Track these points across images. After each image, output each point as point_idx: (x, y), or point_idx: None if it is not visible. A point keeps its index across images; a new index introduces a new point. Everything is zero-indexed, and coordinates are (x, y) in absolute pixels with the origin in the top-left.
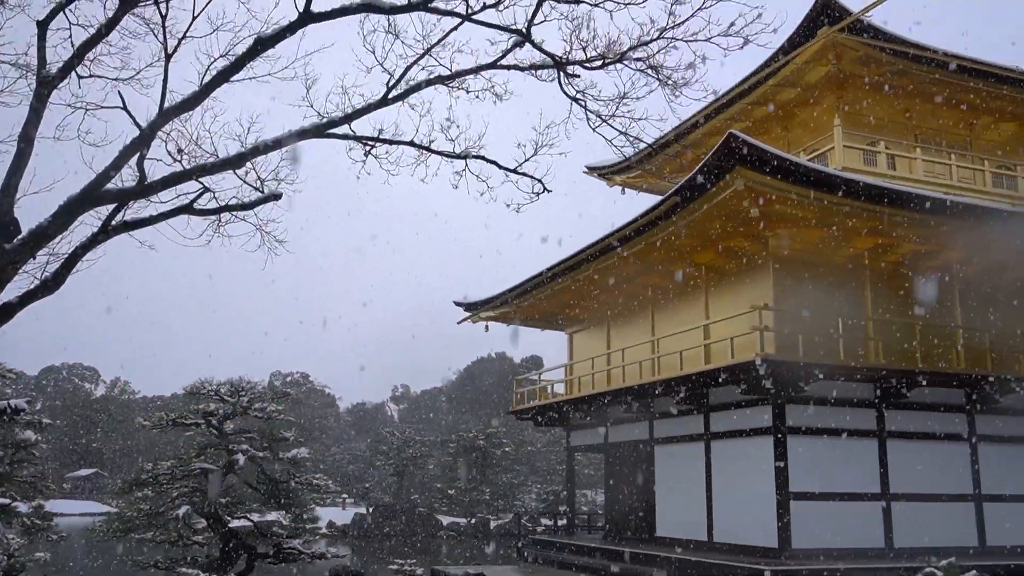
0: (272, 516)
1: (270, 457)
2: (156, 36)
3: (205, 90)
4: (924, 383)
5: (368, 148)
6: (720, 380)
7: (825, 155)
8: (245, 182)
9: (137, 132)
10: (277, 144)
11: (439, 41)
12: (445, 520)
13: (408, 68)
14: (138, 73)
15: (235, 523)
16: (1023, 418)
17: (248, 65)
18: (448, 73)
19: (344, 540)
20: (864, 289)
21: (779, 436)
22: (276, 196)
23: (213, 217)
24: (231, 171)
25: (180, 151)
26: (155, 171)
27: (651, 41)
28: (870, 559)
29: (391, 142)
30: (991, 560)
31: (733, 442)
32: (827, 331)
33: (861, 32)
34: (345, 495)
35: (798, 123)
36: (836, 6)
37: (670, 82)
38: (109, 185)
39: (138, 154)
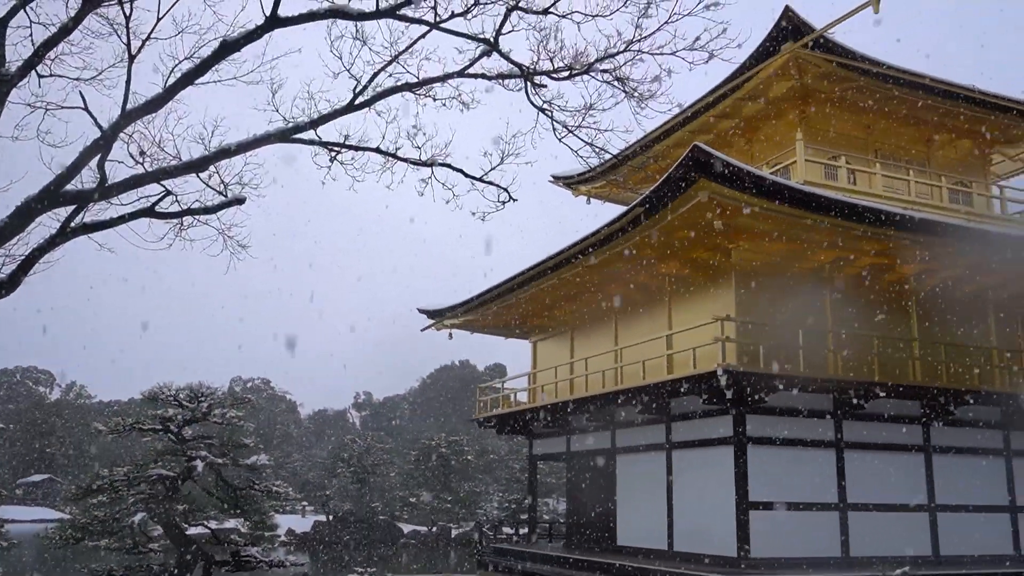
0: (230, 523)
1: (229, 464)
2: (119, 36)
3: (169, 92)
4: (881, 394)
5: (334, 154)
6: (682, 390)
7: (787, 169)
8: (208, 186)
9: (98, 133)
10: (241, 148)
11: (407, 48)
12: (406, 528)
13: (375, 75)
14: (100, 73)
15: (192, 530)
16: (975, 430)
17: (213, 68)
18: (415, 80)
19: (303, 548)
20: (824, 301)
21: (739, 446)
22: (240, 200)
23: (175, 221)
24: (194, 175)
25: (142, 153)
26: (116, 173)
27: (618, 53)
28: (827, 568)
29: (357, 148)
30: (944, 569)
31: (694, 452)
32: (788, 342)
33: (824, 49)
34: (305, 502)
35: (761, 136)
36: (799, 22)
37: (636, 94)
38: (68, 186)
39: (99, 155)
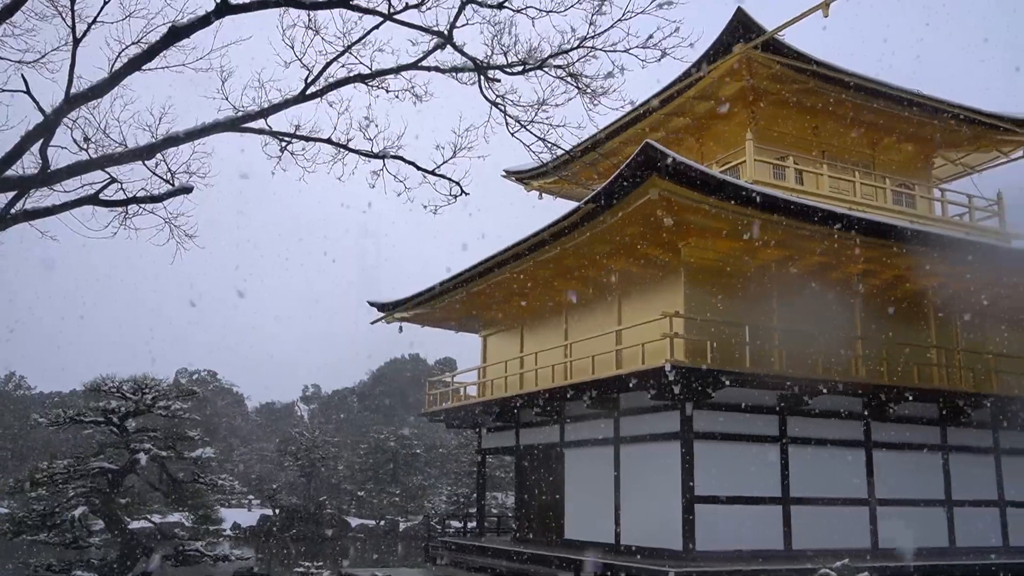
0: (174, 517)
1: (173, 457)
2: (64, 19)
3: (115, 78)
4: (825, 391)
5: (284, 144)
6: (631, 385)
7: (737, 168)
8: (155, 174)
9: (41, 118)
10: (189, 136)
11: (360, 39)
12: (354, 522)
13: (327, 65)
14: (44, 57)
15: (135, 524)
16: (914, 426)
17: (161, 54)
18: (368, 72)
19: (249, 542)
20: (771, 299)
21: (686, 441)
22: (187, 189)
23: (120, 209)
24: (140, 162)
25: (87, 139)
26: (59, 159)
27: (571, 49)
28: (770, 561)
29: (308, 139)
30: (882, 562)
31: (642, 446)
32: (735, 339)
33: (775, 51)
34: (251, 496)
35: (712, 135)
36: (751, 24)
37: (589, 90)
38: (9, 172)
39: (41, 141)
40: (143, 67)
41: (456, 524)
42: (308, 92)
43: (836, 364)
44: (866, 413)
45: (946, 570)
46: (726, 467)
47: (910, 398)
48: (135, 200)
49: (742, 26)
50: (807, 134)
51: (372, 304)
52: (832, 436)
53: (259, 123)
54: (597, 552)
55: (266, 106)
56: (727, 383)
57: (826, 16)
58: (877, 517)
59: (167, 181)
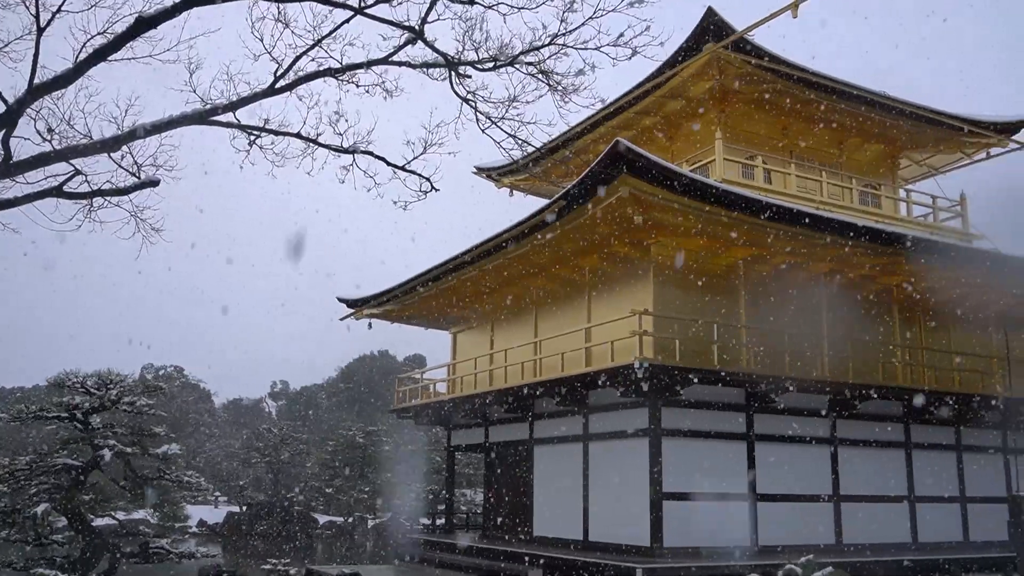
0: (139, 514)
1: (139, 453)
2: (28, 7)
3: (80, 68)
4: (791, 389)
5: (253, 138)
6: (600, 383)
7: (706, 167)
8: (121, 167)
9: (3, 107)
10: (156, 129)
11: (330, 33)
12: (322, 519)
13: (297, 58)
14: (6, 46)
15: (99, 521)
16: (878, 423)
17: (128, 45)
18: (338, 66)
19: (216, 539)
20: (739, 297)
21: (655, 438)
22: (154, 183)
23: (84, 201)
24: (106, 154)
25: (51, 130)
26: (22, 150)
27: (543, 46)
28: (736, 557)
29: (277, 133)
30: (846, 557)
31: (610, 443)
32: (703, 337)
33: (744, 51)
34: (218, 493)
35: (682, 134)
36: (721, 23)
37: (560, 88)
38: None
39: (3, 131)
40: (109, 58)
41: (425, 521)
42: (277, 86)
43: (803, 362)
44: (832, 411)
45: (908, 565)
46: (694, 464)
47: (875, 396)
48: (100, 192)
49: (712, 26)
50: (776, 134)
51: (342, 300)
52: (798, 433)
53: (227, 116)
54: (566, 549)
55: (234, 99)
56: (695, 380)
57: (795, 17)
58: (842, 513)
59: (133, 174)
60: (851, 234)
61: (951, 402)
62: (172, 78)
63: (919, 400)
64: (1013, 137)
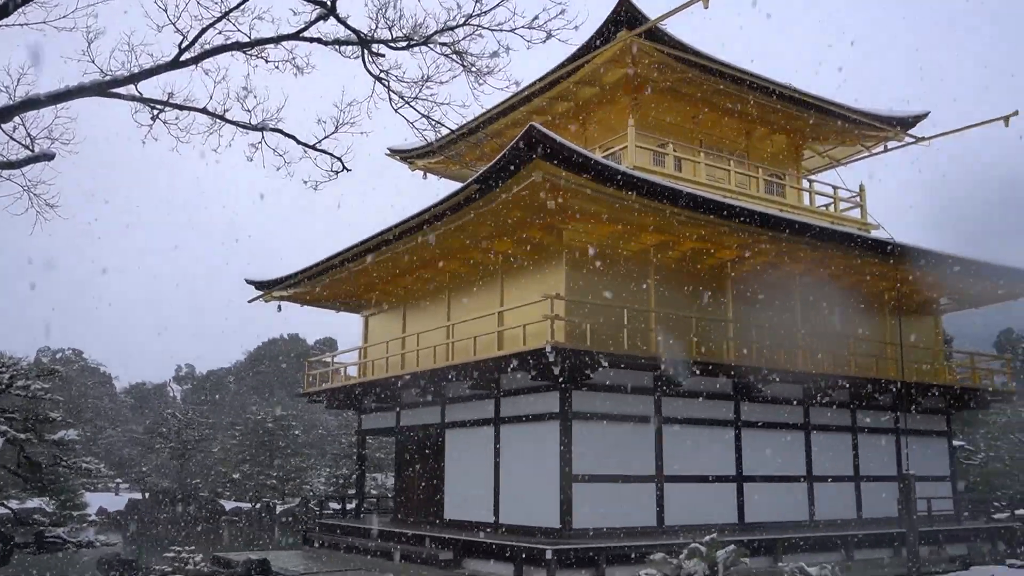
0: (34, 503)
1: (33, 439)
2: None
3: None
4: (698, 373)
5: (156, 112)
6: (512, 366)
7: (619, 153)
8: (12, 139)
9: None
10: (52, 100)
11: (238, 5)
12: (229, 505)
13: (203, 31)
14: None
15: None
16: (779, 406)
17: (20, 10)
18: (247, 40)
19: (116, 527)
20: (649, 282)
21: (565, 421)
22: (48, 156)
23: None
24: None
25: None
26: None
27: (457, 27)
28: (644, 537)
29: (181, 108)
30: (748, 535)
31: (522, 426)
32: (614, 321)
33: (658, 40)
34: (119, 480)
35: (595, 121)
36: (635, 12)
37: (474, 69)
38: None
39: None
40: None
41: (335, 506)
42: (182, 59)
43: (709, 346)
44: (736, 393)
45: (806, 541)
46: (603, 447)
47: (776, 379)
48: None
49: (626, 13)
50: (687, 122)
51: (250, 282)
52: (704, 416)
53: (128, 89)
54: (477, 531)
55: (136, 71)
56: (605, 364)
57: (706, 8)
58: (744, 493)
59: (26, 147)
60: (755, 222)
61: (847, 385)
62: (69, 47)
63: (818, 383)
64: (909, 132)
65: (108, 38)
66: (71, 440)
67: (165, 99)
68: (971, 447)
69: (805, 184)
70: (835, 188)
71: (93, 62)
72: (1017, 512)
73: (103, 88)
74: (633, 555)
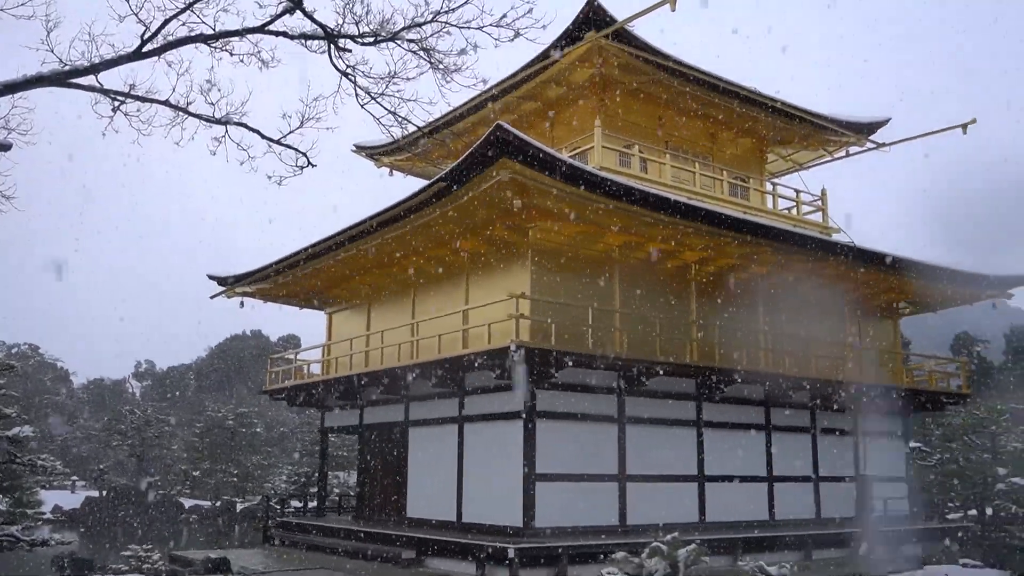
0: None
1: None
2: None
3: None
4: (661, 373)
5: (117, 104)
6: (476, 365)
7: (585, 154)
8: None
9: None
10: (8, 89)
11: None
12: (188, 503)
13: (167, 22)
14: None
15: None
16: (740, 407)
17: None
18: (211, 32)
19: (72, 525)
20: (613, 283)
21: (529, 420)
22: (5, 147)
23: None
24: None
25: None
26: None
27: (425, 23)
28: (606, 535)
29: (143, 99)
30: (709, 535)
31: (485, 425)
32: (578, 321)
33: (626, 41)
34: (76, 477)
35: (562, 120)
36: (603, 13)
37: (442, 66)
38: None
39: None
40: None
41: (297, 504)
42: (144, 50)
43: (672, 347)
44: (698, 394)
45: (766, 541)
46: (567, 446)
47: (739, 380)
48: None
49: (594, 14)
50: (653, 124)
51: (212, 277)
52: (667, 416)
53: (89, 79)
54: (439, 530)
55: (97, 61)
56: (570, 363)
57: (673, 10)
58: (706, 492)
59: None
60: (719, 224)
61: (807, 387)
62: (27, 35)
63: (779, 384)
64: (870, 137)
65: (68, 27)
66: (26, 436)
67: (127, 91)
68: (927, 449)
69: (769, 187)
70: (797, 192)
71: (52, 51)
72: (970, 513)
73: (62, 78)
74: (595, 554)
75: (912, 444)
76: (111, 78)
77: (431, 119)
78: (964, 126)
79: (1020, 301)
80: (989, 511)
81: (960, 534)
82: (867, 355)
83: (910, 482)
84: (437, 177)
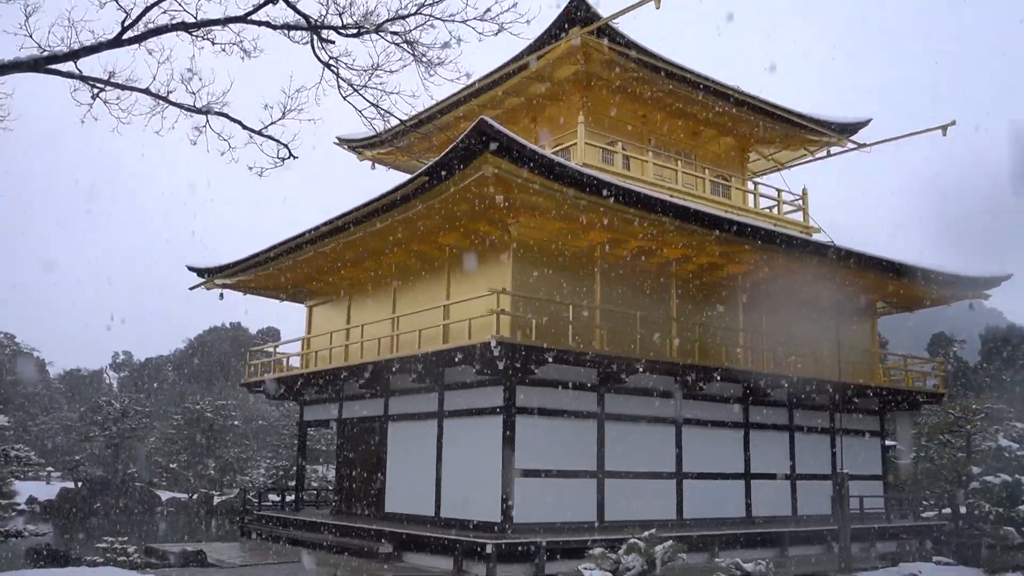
0: None
1: None
2: None
3: None
4: (641, 370)
5: (96, 91)
6: (456, 360)
7: (568, 150)
8: None
9: None
10: None
11: None
12: (165, 495)
13: (148, 8)
14: None
15: None
16: (719, 404)
17: None
18: (193, 20)
19: (47, 517)
20: (594, 279)
21: (509, 416)
22: None
23: None
24: None
25: None
26: None
27: (409, 15)
28: (584, 531)
29: (123, 87)
30: (686, 531)
31: (465, 420)
32: (559, 317)
33: (610, 38)
34: (51, 468)
35: (546, 117)
36: (588, 9)
37: (425, 59)
38: None
39: None
40: None
41: (275, 498)
42: (125, 37)
43: (652, 344)
44: (678, 391)
45: (743, 537)
46: (546, 442)
47: (718, 378)
48: None
49: (579, 11)
50: (636, 122)
51: (191, 269)
52: (646, 413)
53: (68, 66)
54: (418, 525)
55: (77, 48)
56: (550, 360)
57: (658, 8)
58: (684, 490)
59: None
60: (701, 221)
61: (785, 385)
62: (5, 20)
63: (758, 382)
64: (851, 138)
65: (47, 12)
66: (1, 426)
67: (106, 78)
68: (902, 447)
69: (751, 186)
70: (779, 191)
71: (31, 36)
72: (944, 511)
73: (40, 64)
74: (573, 549)
75: (888, 442)
76: (91, 65)
77: (414, 113)
78: (944, 128)
79: (996, 302)
80: (963, 509)
81: (934, 532)
82: (845, 354)
83: (886, 480)
84: (419, 171)
